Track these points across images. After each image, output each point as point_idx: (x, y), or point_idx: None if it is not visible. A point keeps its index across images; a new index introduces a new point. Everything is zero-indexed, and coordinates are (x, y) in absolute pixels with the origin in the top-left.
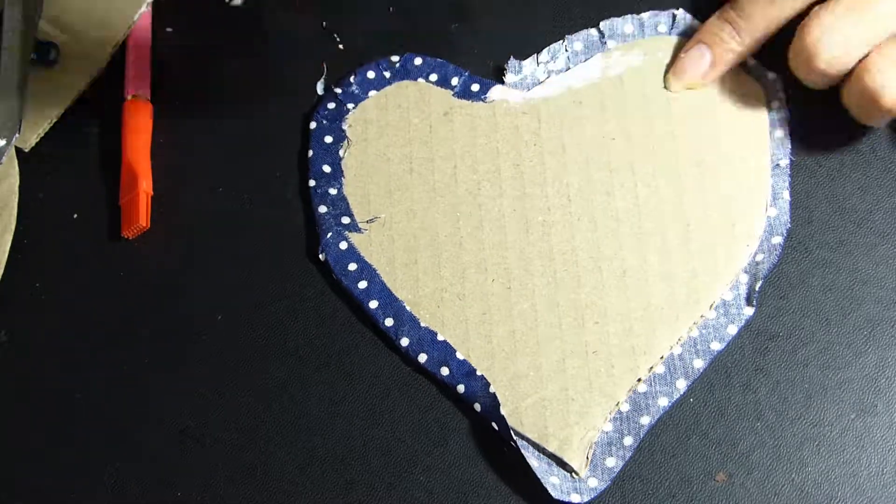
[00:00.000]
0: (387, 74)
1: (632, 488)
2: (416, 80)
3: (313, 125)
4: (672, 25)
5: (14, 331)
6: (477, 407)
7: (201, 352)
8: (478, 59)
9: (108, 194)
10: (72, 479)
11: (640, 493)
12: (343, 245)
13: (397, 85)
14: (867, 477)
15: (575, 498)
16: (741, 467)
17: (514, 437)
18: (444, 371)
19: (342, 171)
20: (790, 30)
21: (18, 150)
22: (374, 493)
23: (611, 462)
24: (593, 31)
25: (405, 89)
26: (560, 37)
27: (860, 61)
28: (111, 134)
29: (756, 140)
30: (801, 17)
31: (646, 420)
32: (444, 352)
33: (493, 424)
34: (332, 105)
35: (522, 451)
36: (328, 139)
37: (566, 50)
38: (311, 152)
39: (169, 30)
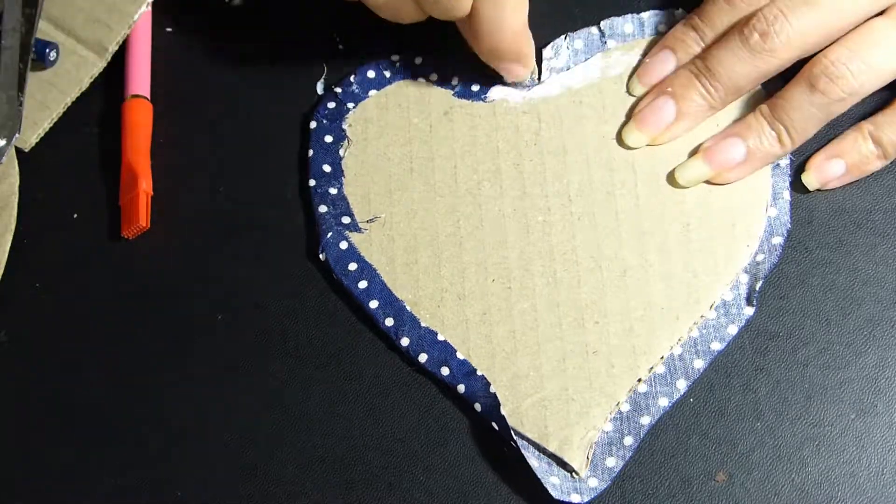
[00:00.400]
0: (387, 74)
1: (632, 488)
2: (416, 79)
3: (313, 125)
4: (672, 25)
5: (14, 331)
6: (477, 407)
7: (201, 352)
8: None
9: (108, 194)
10: (72, 479)
11: (640, 493)
12: (343, 245)
13: (397, 84)
14: (867, 477)
15: (575, 498)
16: (741, 467)
17: (515, 437)
18: (445, 371)
19: (342, 171)
20: None
21: (18, 150)
22: (374, 493)
23: (611, 462)
24: (594, 29)
25: (405, 89)
26: (561, 35)
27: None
28: (111, 134)
29: None
30: None
31: (646, 420)
32: (445, 352)
33: (494, 424)
34: (332, 104)
35: (523, 450)
36: (328, 139)
37: (568, 48)
38: (311, 152)
39: (169, 30)
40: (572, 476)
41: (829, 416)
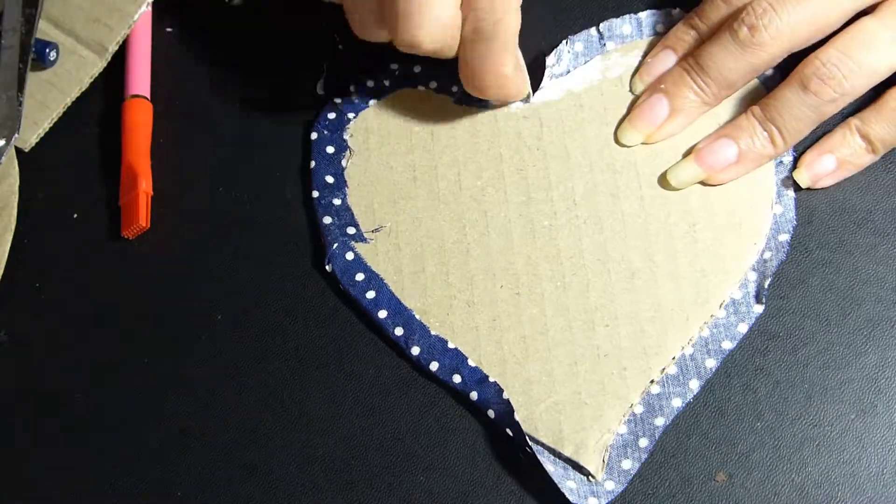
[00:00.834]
0: (386, 83)
1: (632, 488)
2: (416, 87)
3: (314, 135)
4: (670, 25)
5: (14, 331)
6: (490, 413)
7: (201, 352)
8: None
9: (108, 194)
10: (72, 479)
11: (640, 493)
12: (349, 255)
13: (397, 93)
14: (867, 477)
15: (593, 501)
16: (741, 467)
17: (530, 443)
18: (457, 379)
19: (345, 181)
20: None
21: (18, 150)
22: (374, 493)
23: (627, 464)
24: (593, 31)
25: (405, 97)
26: (560, 37)
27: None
28: (111, 134)
29: None
30: None
31: (660, 421)
32: (456, 359)
33: (508, 430)
34: (332, 115)
35: (538, 456)
36: (330, 149)
37: (569, 52)
38: (313, 163)
39: (169, 30)
40: (589, 479)
41: (829, 416)
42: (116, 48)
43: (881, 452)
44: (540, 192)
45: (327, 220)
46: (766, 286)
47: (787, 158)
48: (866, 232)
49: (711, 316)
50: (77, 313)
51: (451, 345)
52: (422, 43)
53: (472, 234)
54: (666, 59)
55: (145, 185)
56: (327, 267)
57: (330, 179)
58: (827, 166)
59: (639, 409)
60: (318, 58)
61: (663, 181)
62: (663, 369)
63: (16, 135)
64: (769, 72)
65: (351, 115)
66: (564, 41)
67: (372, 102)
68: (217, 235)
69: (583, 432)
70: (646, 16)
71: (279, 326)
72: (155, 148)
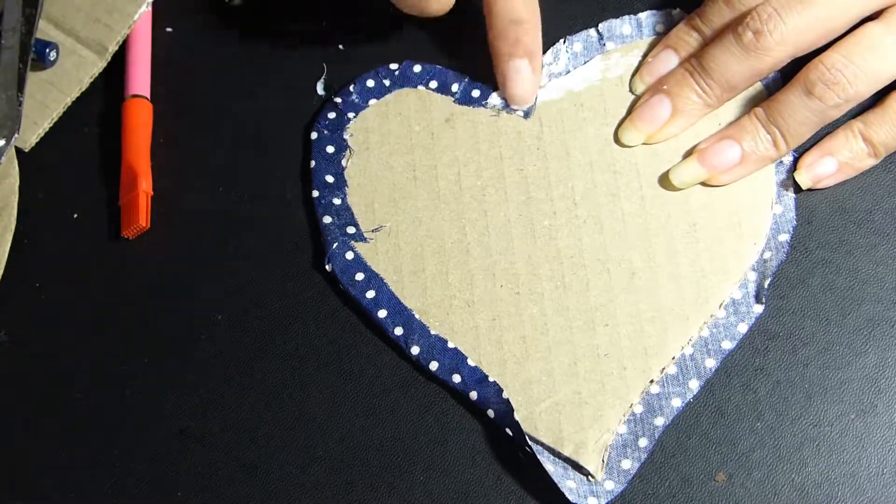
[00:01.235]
0: (386, 82)
1: (632, 488)
2: (416, 87)
3: (314, 135)
4: (670, 25)
5: (14, 331)
6: (490, 413)
7: (201, 352)
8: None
9: (108, 194)
10: (72, 479)
11: (640, 493)
12: (349, 255)
13: (397, 93)
14: (867, 477)
15: (592, 501)
16: (741, 467)
17: (529, 443)
18: (456, 378)
19: (345, 181)
20: None
21: (18, 150)
22: (374, 493)
23: (626, 464)
24: (592, 31)
25: (405, 97)
26: (560, 37)
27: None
28: (111, 134)
29: None
30: None
31: (660, 421)
32: (455, 359)
33: (507, 430)
34: (332, 114)
35: (538, 455)
36: (330, 149)
37: (567, 51)
38: (313, 163)
39: (169, 30)
40: (588, 479)
41: (829, 416)
42: (116, 48)
43: (881, 452)
44: (540, 191)
45: (327, 219)
46: (766, 286)
47: (788, 159)
48: (866, 232)
49: (711, 316)
50: (77, 313)
51: (450, 344)
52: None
53: (472, 234)
54: (667, 60)
55: (145, 185)
56: (327, 266)
57: (330, 179)
58: (828, 168)
59: (638, 409)
60: (318, 58)
61: (664, 181)
62: (663, 369)
63: (16, 135)
64: (771, 74)
65: (351, 115)
66: (562, 40)
67: (372, 102)
68: (217, 235)
69: (582, 432)
70: (646, 16)
71: (279, 326)
72: (155, 148)
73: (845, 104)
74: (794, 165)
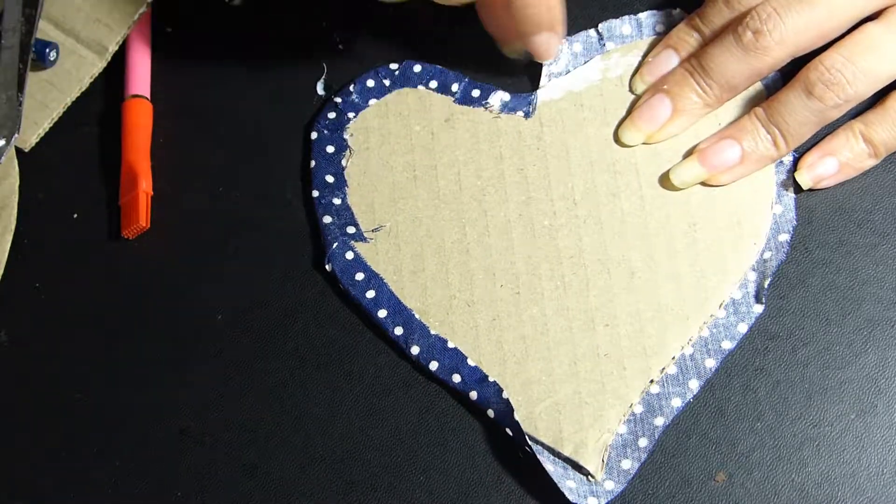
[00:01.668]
0: (386, 82)
1: (632, 488)
2: (416, 87)
3: (314, 135)
4: (670, 25)
5: (14, 331)
6: (490, 413)
7: (201, 352)
8: (478, 65)
9: (108, 194)
10: (72, 479)
11: (640, 493)
12: (349, 255)
13: (397, 92)
14: (867, 477)
15: (592, 501)
16: (741, 467)
17: (529, 442)
18: (456, 378)
19: (345, 181)
20: None
21: (18, 150)
22: (374, 493)
23: (626, 464)
24: (592, 32)
25: (405, 97)
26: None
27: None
28: (111, 134)
29: None
30: None
31: (660, 421)
32: (455, 359)
33: (507, 430)
34: (332, 114)
35: (538, 455)
36: (330, 149)
37: (567, 51)
38: (313, 163)
39: (169, 30)
40: (588, 479)
41: (829, 416)
42: (116, 48)
43: (881, 452)
44: (540, 191)
45: (327, 219)
46: (766, 286)
47: (788, 159)
48: (866, 232)
49: (711, 316)
50: (77, 313)
51: (450, 344)
52: None
53: (471, 234)
54: (668, 59)
55: (145, 185)
56: (327, 266)
57: (330, 179)
58: (828, 168)
59: (638, 409)
60: (318, 58)
61: (664, 181)
62: (663, 369)
63: (16, 135)
64: (771, 73)
65: (351, 115)
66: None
67: (372, 102)
68: (217, 235)
69: (582, 432)
70: (645, 16)
71: (279, 326)
72: (155, 148)
73: (845, 104)
74: (794, 165)
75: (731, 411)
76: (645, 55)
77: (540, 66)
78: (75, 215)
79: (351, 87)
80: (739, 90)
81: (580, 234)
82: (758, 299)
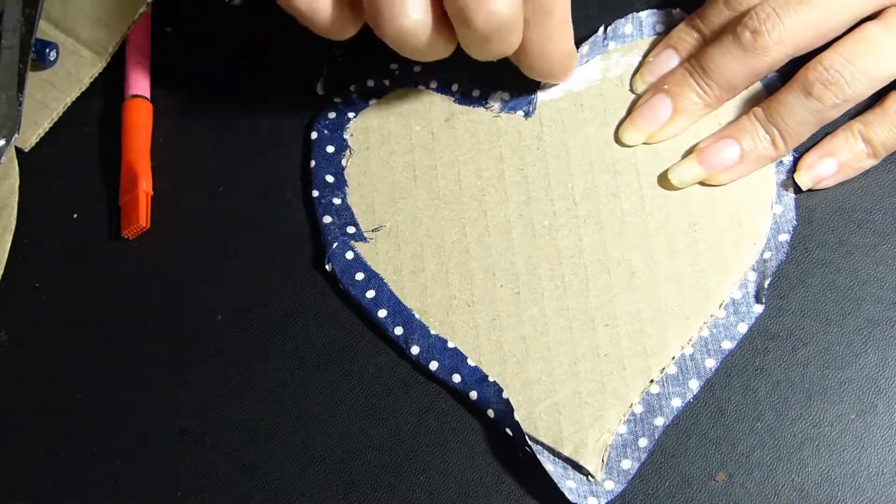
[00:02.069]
0: (386, 82)
1: (632, 488)
2: (416, 86)
3: (314, 135)
4: (670, 25)
5: (14, 331)
6: (490, 413)
7: (201, 352)
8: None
9: (108, 194)
10: (72, 479)
11: (640, 493)
12: (349, 255)
13: (397, 92)
14: (867, 477)
15: (592, 501)
16: (741, 467)
17: (529, 442)
18: (456, 378)
19: (345, 181)
20: None
21: (18, 150)
22: (374, 493)
23: (626, 464)
24: (600, 32)
25: (406, 97)
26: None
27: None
28: (111, 134)
29: None
30: None
31: (660, 421)
32: (455, 359)
33: (507, 430)
34: (332, 114)
35: (538, 455)
36: (330, 149)
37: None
38: (313, 162)
39: (169, 30)
40: (588, 479)
41: (829, 416)
42: (116, 48)
43: (881, 452)
44: (540, 191)
45: (327, 219)
46: (765, 286)
47: (788, 159)
48: (866, 232)
49: (711, 316)
50: (77, 313)
51: (450, 344)
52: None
53: (471, 234)
54: (668, 59)
55: (145, 185)
56: (327, 266)
57: (330, 179)
58: (828, 169)
59: (638, 409)
60: (318, 58)
61: (664, 180)
62: (663, 369)
63: (16, 135)
64: (770, 74)
65: (351, 115)
66: None
67: (372, 102)
68: (217, 235)
69: (582, 432)
70: (646, 16)
71: (279, 326)
72: (155, 148)
73: (844, 105)
74: (794, 166)
75: (731, 411)
76: (645, 55)
77: None
78: (75, 215)
79: (351, 87)
80: (739, 90)
81: (580, 234)
82: (758, 299)
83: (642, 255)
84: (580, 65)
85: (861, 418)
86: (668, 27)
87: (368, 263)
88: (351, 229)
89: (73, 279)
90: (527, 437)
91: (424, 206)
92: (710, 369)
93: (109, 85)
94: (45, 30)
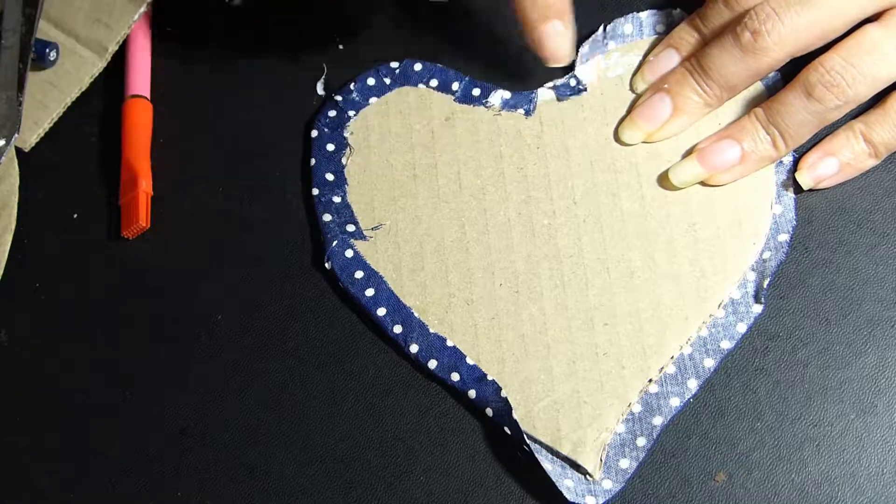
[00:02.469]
0: (387, 81)
1: (632, 488)
2: (416, 85)
3: (314, 133)
4: (670, 25)
5: (14, 331)
6: (489, 412)
7: (201, 352)
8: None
9: (108, 194)
10: (72, 479)
11: (640, 493)
12: (349, 253)
13: (398, 91)
14: (867, 477)
15: (590, 500)
16: (741, 467)
17: (527, 441)
18: (455, 377)
19: (345, 179)
20: None
21: (18, 150)
22: (374, 493)
23: (624, 463)
24: (599, 31)
25: (406, 95)
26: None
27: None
28: (111, 134)
29: None
30: None
31: (658, 420)
32: (454, 357)
33: (506, 429)
34: (332, 112)
35: (536, 454)
36: (330, 147)
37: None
38: (313, 161)
39: (169, 30)
40: (586, 478)
41: (829, 416)
42: (116, 48)
43: (881, 452)
44: (540, 190)
45: (327, 217)
46: (765, 286)
47: (788, 159)
48: (866, 232)
49: (710, 315)
50: (77, 313)
51: (449, 343)
52: None
53: (471, 233)
54: (669, 58)
55: (145, 185)
56: (326, 264)
57: (330, 177)
58: (829, 169)
59: (637, 409)
60: (318, 58)
61: (664, 180)
62: (662, 368)
63: (16, 135)
64: (772, 74)
65: (351, 113)
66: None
67: (372, 100)
68: (217, 235)
69: (581, 431)
70: (646, 16)
71: (279, 326)
72: (155, 148)
73: (845, 106)
74: (794, 166)
75: (731, 411)
76: (646, 55)
77: (542, 66)
78: (75, 215)
79: (351, 86)
80: (739, 90)
81: (580, 234)
82: (757, 299)
83: (642, 255)
84: (580, 64)
85: (861, 418)
86: (668, 27)
87: (368, 262)
88: (350, 227)
89: (73, 279)
90: (525, 435)
91: (424, 205)
92: (709, 369)
93: (109, 85)
94: (45, 30)
